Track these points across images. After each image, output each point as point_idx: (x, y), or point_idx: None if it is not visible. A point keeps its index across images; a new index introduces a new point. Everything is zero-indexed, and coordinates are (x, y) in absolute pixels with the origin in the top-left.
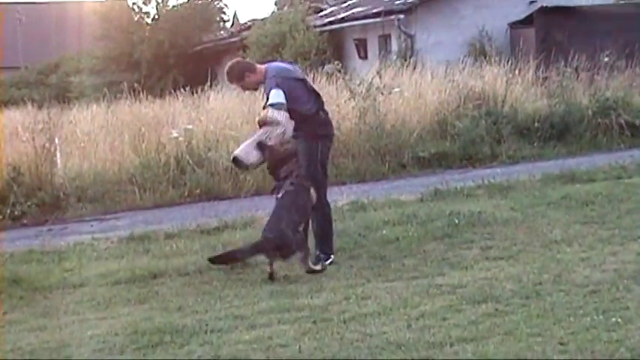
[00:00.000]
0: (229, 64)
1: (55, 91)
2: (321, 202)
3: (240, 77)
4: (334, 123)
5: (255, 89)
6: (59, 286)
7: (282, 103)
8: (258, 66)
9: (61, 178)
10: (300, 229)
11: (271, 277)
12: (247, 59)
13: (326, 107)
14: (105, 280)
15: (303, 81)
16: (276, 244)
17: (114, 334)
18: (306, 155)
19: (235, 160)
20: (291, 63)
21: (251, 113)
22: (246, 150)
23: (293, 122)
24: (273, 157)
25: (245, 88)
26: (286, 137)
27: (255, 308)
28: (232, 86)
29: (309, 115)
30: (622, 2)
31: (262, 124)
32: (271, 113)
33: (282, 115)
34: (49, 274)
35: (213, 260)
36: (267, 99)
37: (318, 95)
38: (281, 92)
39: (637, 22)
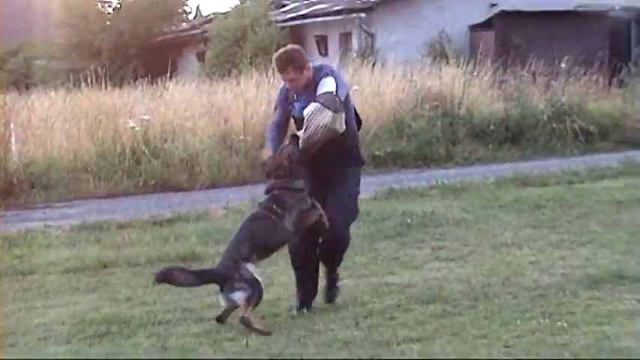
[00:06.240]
0: (287, 49)
1: (14, 76)
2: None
3: (301, 67)
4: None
5: (300, 88)
6: (8, 273)
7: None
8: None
9: (15, 164)
10: (244, 262)
11: (219, 320)
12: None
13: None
14: (54, 268)
15: None
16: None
17: (61, 323)
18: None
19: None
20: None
21: (210, 104)
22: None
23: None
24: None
25: (295, 82)
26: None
27: (204, 302)
28: (286, 76)
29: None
30: (580, 9)
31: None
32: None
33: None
34: None
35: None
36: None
37: None
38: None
39: (595, 29)
